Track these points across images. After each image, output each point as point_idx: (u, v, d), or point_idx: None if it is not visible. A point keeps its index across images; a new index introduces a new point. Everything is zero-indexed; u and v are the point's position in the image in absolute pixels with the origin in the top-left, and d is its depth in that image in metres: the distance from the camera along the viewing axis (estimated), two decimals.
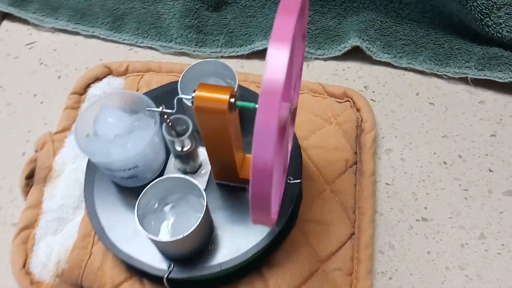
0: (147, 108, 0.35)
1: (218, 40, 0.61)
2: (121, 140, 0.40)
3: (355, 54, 0.58)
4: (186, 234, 0.35)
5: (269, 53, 0.24)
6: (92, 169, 0.45)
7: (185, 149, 0.40)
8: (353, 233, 0.46)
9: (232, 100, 0.33)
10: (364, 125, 0.51)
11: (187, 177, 0.38)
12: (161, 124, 0.38)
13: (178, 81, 0.43)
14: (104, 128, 0.41)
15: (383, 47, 0.58)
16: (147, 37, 0.62)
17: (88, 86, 0.56)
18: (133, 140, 0.40)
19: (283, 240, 0.45)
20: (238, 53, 0.60)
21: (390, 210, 0.48)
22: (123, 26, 0.63)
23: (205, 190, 0.43)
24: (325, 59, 0.59)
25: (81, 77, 0.56)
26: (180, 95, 0.34)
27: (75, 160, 0.50)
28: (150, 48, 0.62)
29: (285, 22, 0.25)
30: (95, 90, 0.55)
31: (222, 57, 0.60)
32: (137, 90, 0.55)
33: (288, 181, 0.43)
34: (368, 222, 0.46)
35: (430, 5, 0.59)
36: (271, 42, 0.24)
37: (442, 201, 0.49)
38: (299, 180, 0.44)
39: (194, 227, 0.36)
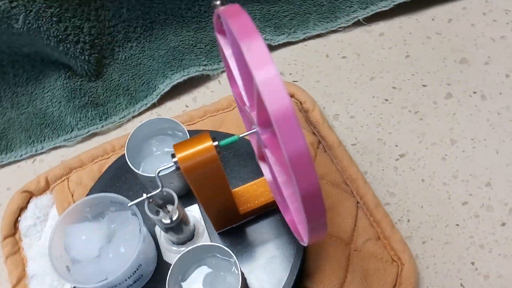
0: (129, 204, 0.31)
1: (119, 103, 0.56)
2: (111, 249, 0.35)
3: None
4: None
5: (259, 82, 0.22)
6: None
7: (175, 218, 0.36)
8: (358, 202, 0.46)
9: (216, 143, 0.30)
10: (306, 106, 0.51)
11: (195, 246, 0.35)
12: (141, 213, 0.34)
13: (114, 163, 0.39)
14: (82, 249, 0.35)
15: (274, 31, 0.58)
16: (44, 140, 0.55)
17: (16, 222, 0.48)
18: (123, 242, 0.35)
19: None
20: (148, 105, 0.56)
21: (370, 165, 0.50)
22: (10, 143, 0.55)
23: None
24: None
25: (3, 217, 0.48)
26: (159, 167, 0.31)
27: None
28: (54, 148, 0.55)
29: (255, 48, 0.23)
30: (26, 221, 0.48)
31: (133, 117, 0.56)
32: (73, 196, 0.49)
33: None
34: (363, 186, 0.46)
35: None
36: (255, 72, 0.22)
37: (404, 132, 0.51)
38: None
39: None
